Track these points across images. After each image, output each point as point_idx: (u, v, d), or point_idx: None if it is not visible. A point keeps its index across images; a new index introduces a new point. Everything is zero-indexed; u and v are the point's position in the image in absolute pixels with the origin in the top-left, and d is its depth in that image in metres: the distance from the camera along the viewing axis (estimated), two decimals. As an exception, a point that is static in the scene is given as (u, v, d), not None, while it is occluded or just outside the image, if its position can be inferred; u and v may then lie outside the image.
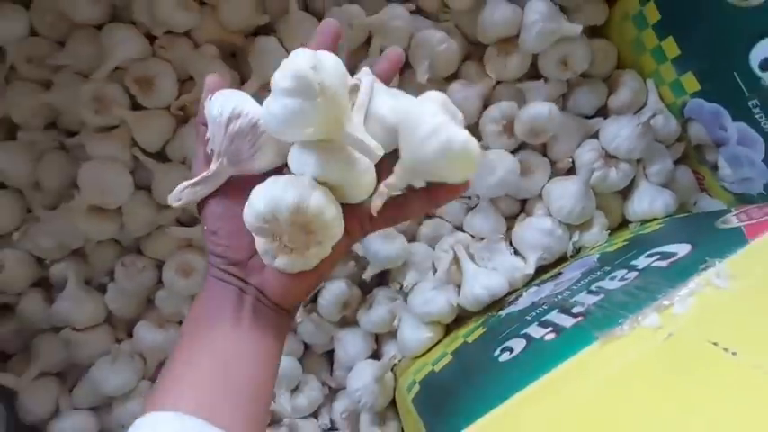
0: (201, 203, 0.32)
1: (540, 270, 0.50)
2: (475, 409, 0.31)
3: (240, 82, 0.51)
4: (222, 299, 0.32)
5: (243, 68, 0.52)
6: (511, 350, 0.36)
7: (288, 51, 0.48)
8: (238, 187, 0.31)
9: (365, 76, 0.31)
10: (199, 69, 0.49)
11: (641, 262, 0.37)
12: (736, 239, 0.33)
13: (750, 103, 0.42)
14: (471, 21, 0.50)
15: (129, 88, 0.49)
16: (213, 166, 0.31)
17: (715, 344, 0.28)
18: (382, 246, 0.49)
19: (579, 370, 0.30)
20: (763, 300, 0.29)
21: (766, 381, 0.25)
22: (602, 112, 0.52)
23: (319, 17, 0.50)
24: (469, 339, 0.44)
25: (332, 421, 0.54)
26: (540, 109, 0.47)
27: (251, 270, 0.32)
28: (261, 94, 0.48)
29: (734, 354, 0.27)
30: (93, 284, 0.54)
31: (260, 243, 0.30)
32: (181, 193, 0.31)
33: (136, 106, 0.50)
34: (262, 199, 0.28)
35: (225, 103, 0.30)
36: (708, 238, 0.37)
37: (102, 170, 0.48)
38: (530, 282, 0.49)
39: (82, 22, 0.50)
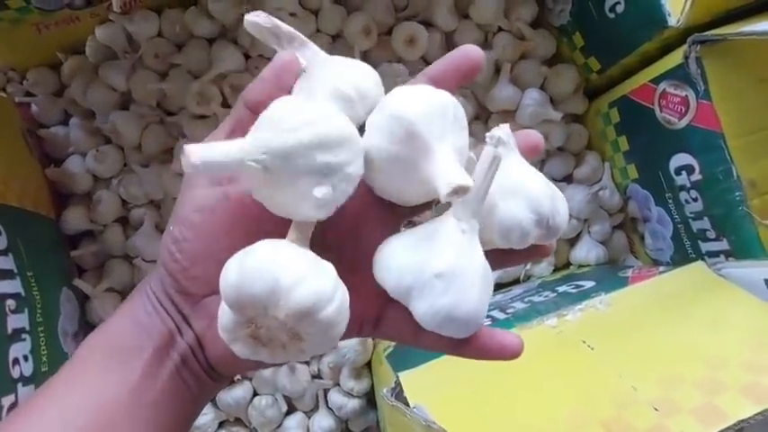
0: (186, 190, 0.26)
1: (497, 286, 0.66)
2: (422, 359, 0.46)
3: (305, 102, 0.68)
4: (144, 334, 0.25)
5: (309, 92, 0.68)
6: (460, 329, 0.52)
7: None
8: (247, 207, 0.25)
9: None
10: (277, 87, 0.66)
11: (561, 288, 0.54)
12: (622, 283, 0.50)
13: (666, 195, 0.58)
14: (484, 92, 0.67)
15: (223, 91, 0.66)
16: (254, 152, 0.22)
17: (584, 342, 0.44)
18: None
19: (499, 343, 0.46)
20: (622, 320, 0.45)
21: (603, 363, 0.41)
22: (568, 179, 0.69)
23: (374, 68, 0.66)
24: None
25: (319, 370, 0.70)
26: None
27: (201, 311, 0.25)
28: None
29: (592, 348, 0.43)
30: (159, 229, 0.70)
31: (225, 314, 0.23)
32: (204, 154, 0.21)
33: (226, 105, 0.66)
34: (258, 275, 0.21)
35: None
36: (607, 280, 0.53)
37: (193, 147, 0.64)
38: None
39: (198, 34, 0.66)
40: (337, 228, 0.26)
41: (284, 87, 0.26)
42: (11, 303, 0.50)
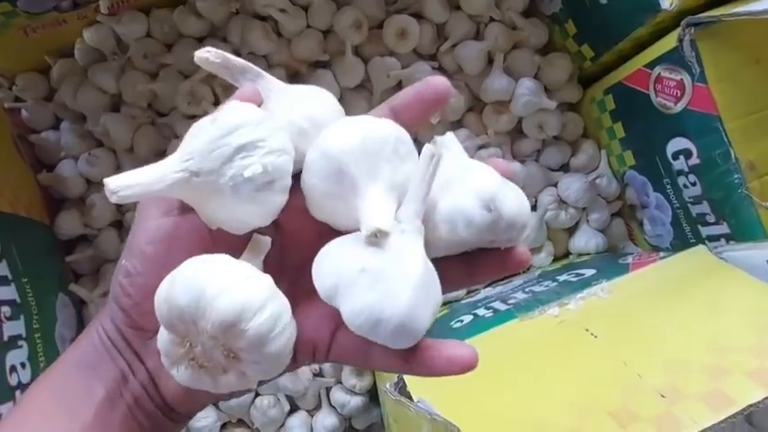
0: (138, 222, 0.25)
1: (497, 279, 0.65)
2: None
3: (298, 99, 0.67)
4: (94, 376, 0.24)
5: (301, 88, 0.68)
6: (461, 321, 0.51)
7: (339, 84, 0.65)
8: (202, 237, 0.24)
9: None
10: (269, 84, 0.65)
11: (562, 277, 0.53)
12: (622, 270, 0.49)
13: (664, 181, 0.58)
14: (478, 83, 0.66)
15: (214, 90, 0.65)
16: (178, 164, 0.23)
17: (587, 330, 0.43)
18: None
19: (502, 334, 0.45)
20: (624, 307, 0.45)
21: (607, 351, 0.41)
22: (565, 167, 0.68)
23: (366, 61, 0.66)
24: (437, 316, 0.59)
25: (320, 369, 0.69)
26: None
27: (153, 348, 0.24)
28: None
29: (595, 336, 0.42)
30: (155, 232, 0.70)
31: (162, 336, 0.23)
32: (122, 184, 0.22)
33: (217, 103, 0.66)
34: (185, 287, 0.21)
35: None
36: (607, 267, 0.53)
37: (186, 147, 0.63)
38: (487, 284, 0.65)
39: (187, 34, 0.66)
40: (294, 255, 0.27)
41: None
42: (6, 310, 0.50)
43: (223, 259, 0.23)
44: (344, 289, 0.22)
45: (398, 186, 0.24)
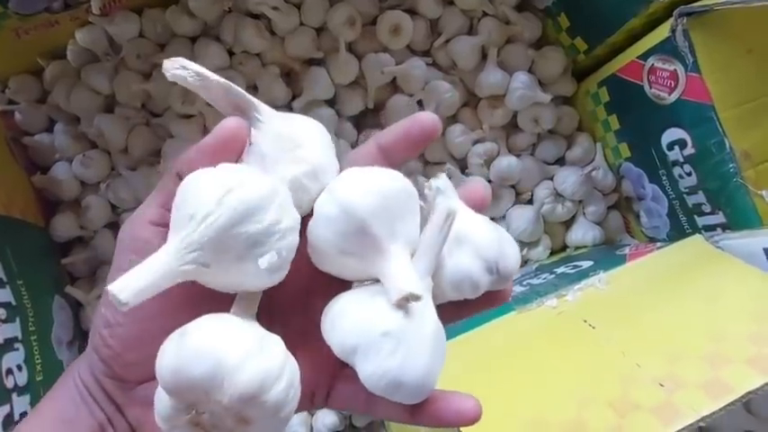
0: (116, 271, 0.23)
1: (496, 272, 0.65)
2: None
3: (292, 97, 0.67)
4: (72, 428, 0.23)
5: (295, 87, 0.67)
6: (460, 315, 0.51)
7: (333, 82, 0.64)
8: (186, 284, 0.22)
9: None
10: (264, 82, 0.65)
11: (560, 269, 0.53)
12: (619, 261, 0.49)
13: (660, 172, 0.58)
14: (472, 78, 0.66)
15: (208, 89, 0.65)
16: (184, 255, 0.21)
17: (585, 321, 0.43)
18: None
19: (500, 326, 0.45)
20: (622, 298, 0.45)
21: (606, 342, 0.41)
22: (560, 161, 0.68)
23: (360, 58, 0.65)
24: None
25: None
26: (506, 162, 0.64)
27: (135, 399, 0.23)
28: (308, 110, 0.64)
29: (593, 327, 0.42)
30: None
31: (162, 401, 0.21)
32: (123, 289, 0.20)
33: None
34: (198, 357, 0.20)
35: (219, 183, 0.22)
36: (604, 259, 0.53)
37: (181, 147, 0.63)
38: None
39: (181, 33, 0.65)
40: (284, 297, 0.26)
41: (228, 159, 0.23)
42: (1, 313, 0.49)
43: (231, 321, 0.22)
44: (365, 351, 0.22)
45: (412, 242, 0.24)
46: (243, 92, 0.25)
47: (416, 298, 0.22)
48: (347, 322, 0.23)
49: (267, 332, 0.22)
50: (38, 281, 0.58)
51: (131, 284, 0.20)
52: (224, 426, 0.21)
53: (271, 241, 0.22)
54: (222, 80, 0.25)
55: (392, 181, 0.24)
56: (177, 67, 0.23)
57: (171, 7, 0.65)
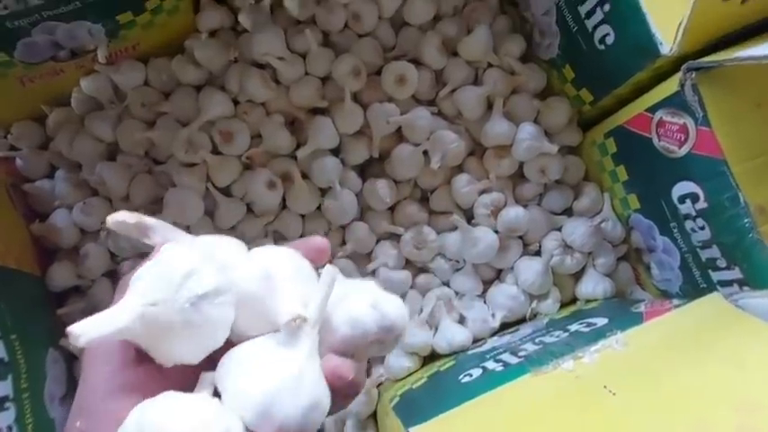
0: (89, 378, 0.26)
1: (504, 326, 0.63)
2: (434, 410, 0.44)
3: (296, 146, 0.66)
4: None
5: (300, 135, 0.67)
6: (471, 375, 0.49)
7: (338, 131, 0.64)
8: (152, 383, 0.25)
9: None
10: (268, 131, 0.64)
11: (573, 327, 0.51)
12: (637, 319, 0.47)
13: (671, 225, 0.57)
14: (478, 128, 0.66)
15: (213, 137, 0.65)
16: (134, 302, 0.25)
17: (605, 386, 0.41)
18: (394, 274, 0.63)
19: (516, 390, 0.43)
20: (642, 361, 0.43)
21: (628, 409, 0.39)
22: (568, 211, 0.68)
23: (365, 108, 0.65)
24: (442, 369, 0.57)
25: (322, 424, 0.67)
26: (513, 213, 0.63)
27: None
28: (313, 159, 0.64)
29: (614, 394, 0.40)
30: (149, 282, 0.68)
31: None
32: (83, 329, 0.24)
33: (215, 151, 0.65)
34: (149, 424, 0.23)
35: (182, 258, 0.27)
36: (620, 316, 0.51)
37: (183, 195, 0.62)
38: (494, 333, 0.63)
39: (186, 82, 0.65)
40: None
41: None
42: (-8, 371, 0.47)
43: (187, 398, 0.24)
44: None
45: (304, 297, 0.28)
46: (169, 225, 0.32)
47: (304, 320, 0.26)
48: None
49: (217, 406, 0.25)
50: (32, 334, 0.56)
51: (87, 326, 0.24)
52: None
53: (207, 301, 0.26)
54: (152, 220, 0.32)
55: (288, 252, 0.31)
56: (119, 216, 0.30)
57: (177, 56, 0.65)
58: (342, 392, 0.27)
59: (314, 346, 0.27)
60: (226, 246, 0.32)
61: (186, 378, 0.26)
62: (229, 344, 0.28)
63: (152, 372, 0.26)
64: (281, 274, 0.29)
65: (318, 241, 0.32)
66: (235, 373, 0.26)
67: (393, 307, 0.31)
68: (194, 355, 0.26)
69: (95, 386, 0.25)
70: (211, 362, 0.27)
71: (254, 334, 0.28)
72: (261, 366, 0.26)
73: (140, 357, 0.26)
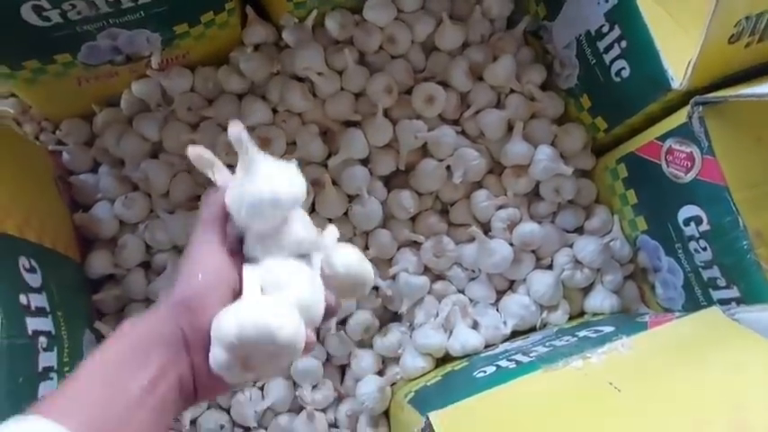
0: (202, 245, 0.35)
1: (515, 333, 0.67)
2: (449, 401, 0.47)
3: (328, 155, 0.71)
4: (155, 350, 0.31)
5: (332, 145, 0.71)
6: (485, 372, 0.53)
7: (369, 143, 0.69)
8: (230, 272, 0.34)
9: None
10: (303, 139, 0.69)
11: (581, 333, 0.55)
12: (641, 327, 0.51)
13: (676, 246, 0.61)
14: (498, 147, 0.71)
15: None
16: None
17: (610, 383, 0.45)
18: (414, 279, 0.67)
19: (527, 384, 0.47)
20: (645, 362, 0.47)
21: (632, 405, 0.42)
22: (579, 230, 0.72)
23: (394, 123, 0.70)
24: (456, 368, 0.61)
25: (336, 419, 0.69)
26: (528, 228, 0.67)
27: (198, 345, 0.32)
28: (343, 167, 0.68)
29: (619, 390, 0.44)
30: (181, 275, 0.72)
31: (221, 356, 0.31)
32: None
33: (253, 155, 0.69)
34: (254, 326, 0.30)
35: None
36: (626, 325, 0.55)
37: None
38: (506, 340, 0.66)
39: (229, 90, 0.70)
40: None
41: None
42: (43, 341, 0.51)
43: (268, 299, 0.33)
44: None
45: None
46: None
47: (317, 248, 0.40)
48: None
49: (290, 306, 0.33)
50: (73, 314, 0.60)
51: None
52: (264, 366, 0.32)
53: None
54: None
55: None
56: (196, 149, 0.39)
57: (223, 66, 0.71)
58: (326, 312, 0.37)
59: (318, 268, 0.38)
60: None
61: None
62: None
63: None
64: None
65: None
66: (278, 276, 0.35)
67: (357, 259, 0.40)
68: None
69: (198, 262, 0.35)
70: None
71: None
72: (296, 273, 0.36)
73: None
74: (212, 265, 0.34)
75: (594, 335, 0.53)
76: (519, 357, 0.53)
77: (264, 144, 0.68)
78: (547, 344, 0.55)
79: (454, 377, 0.58)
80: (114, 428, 0.27)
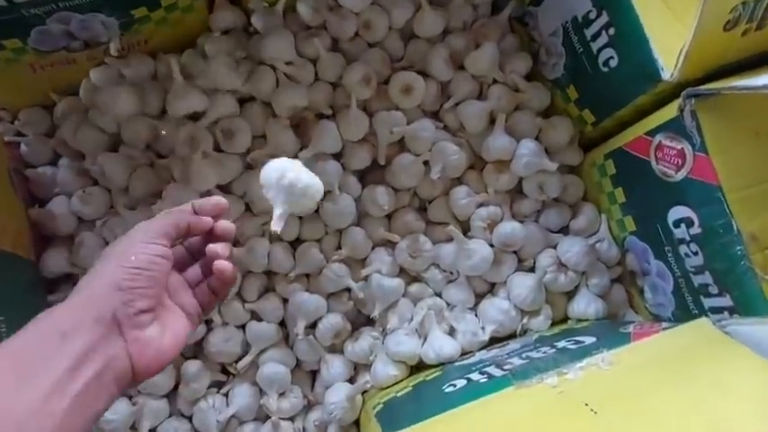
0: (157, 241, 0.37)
1: (493, 340, 0.63)
2: (415, 418, 0.44)
3: (299, 148, 0.67)
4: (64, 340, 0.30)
5: (304, 138, 0.67)
6: (454, 386, 0.49)
7: (342, 136, 0.65)
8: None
9: None
10: (273, 131, 0.65)
11: (561, 344, 0.51)
12: (624, 340, 0.47)
13: (666, 249, 0.57)
14: (479, 141, 0.67)
15: (215, 135, 0.65)
16: (279, 210, 0.45)
17: (586, 404, 0.41)
18: (387, 281, 0.63)
19: (497, 402, 0.43)
20: (625, 382, 0.43)
21: (608, 429, 0.38)
22: (564, 230, 0.68)
23: (371, 115, 0.66)
24: (428, 378, 0.57)
25: (304, 429, 0.66)
26: (509, 228, 0.63)
27: (132, 324, 0.32)
28: (314, 161, 0.64)
29: (595, 412, 0.40)
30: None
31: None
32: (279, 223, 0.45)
33: (217, 149, 0.65)
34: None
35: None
36: (608, 336, 0.51)
37: (182, 191, 0.62)
38: (483, 347, 0.63)
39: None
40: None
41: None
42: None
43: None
44: None
45: None
46: None
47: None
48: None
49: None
50: (20, 317, 0.56)
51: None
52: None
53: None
54: None
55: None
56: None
57: (187, 51, 0.66)
58: None
59: None
60: None
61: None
62: None
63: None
64: None
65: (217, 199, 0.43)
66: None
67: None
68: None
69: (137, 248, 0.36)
70: None
71: None
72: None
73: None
74: (150, 250, 0.36)
75: (574, 346, 0.49)
76: (492, 370, 0.49)
77: (228, 136, 0.64)
78: (523, 355, 0.51)
79: (424, 389, 0.54)
80: (24, 420, 0.27)
